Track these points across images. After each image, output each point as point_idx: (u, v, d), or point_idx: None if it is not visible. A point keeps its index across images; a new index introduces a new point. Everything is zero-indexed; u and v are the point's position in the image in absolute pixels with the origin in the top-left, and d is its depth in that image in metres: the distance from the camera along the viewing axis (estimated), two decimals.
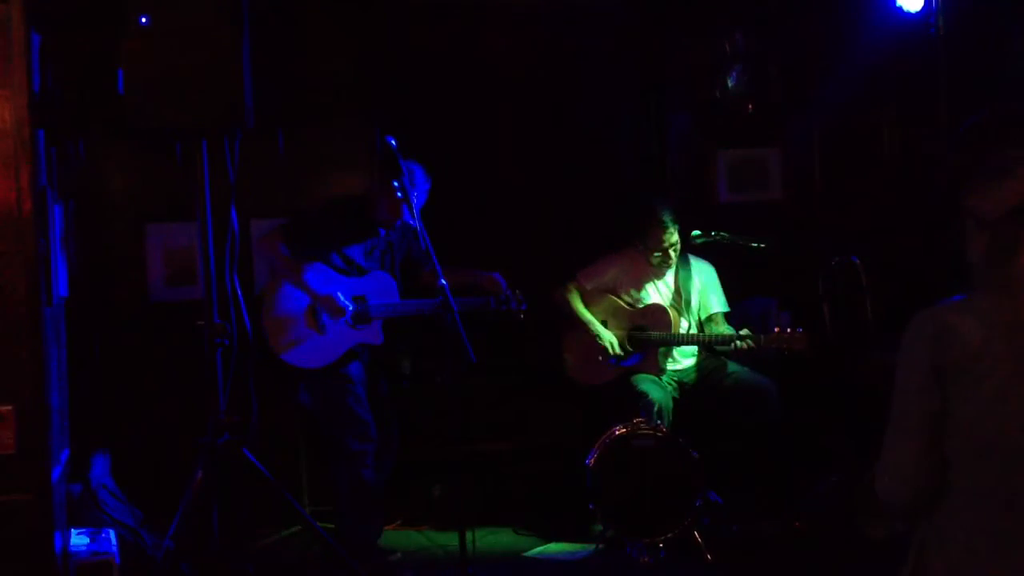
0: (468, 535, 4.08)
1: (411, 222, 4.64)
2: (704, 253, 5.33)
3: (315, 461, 5.42)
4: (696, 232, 5.08)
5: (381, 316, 4.76)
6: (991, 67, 5.51)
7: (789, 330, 4.86)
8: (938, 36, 4.95)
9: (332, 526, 4.97)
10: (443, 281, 4.16)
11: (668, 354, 5.25)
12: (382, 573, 4.61)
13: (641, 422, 4.80)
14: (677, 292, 5.29)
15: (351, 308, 4.69)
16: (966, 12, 4.97)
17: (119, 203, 5.51)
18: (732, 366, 5.19)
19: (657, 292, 5.29)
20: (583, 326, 5.22)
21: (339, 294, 4.66)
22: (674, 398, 5.13)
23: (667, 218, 5.14)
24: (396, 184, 4.58)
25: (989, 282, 2.08)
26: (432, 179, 4.75)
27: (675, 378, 5.25)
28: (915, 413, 2.09)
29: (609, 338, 5.17)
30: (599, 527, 4.87)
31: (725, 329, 5.19)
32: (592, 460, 4.68)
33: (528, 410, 5.80)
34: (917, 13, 5.06)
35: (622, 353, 5.17)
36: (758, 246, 4.87)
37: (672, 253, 5.19)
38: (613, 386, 5.18)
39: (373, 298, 4.76)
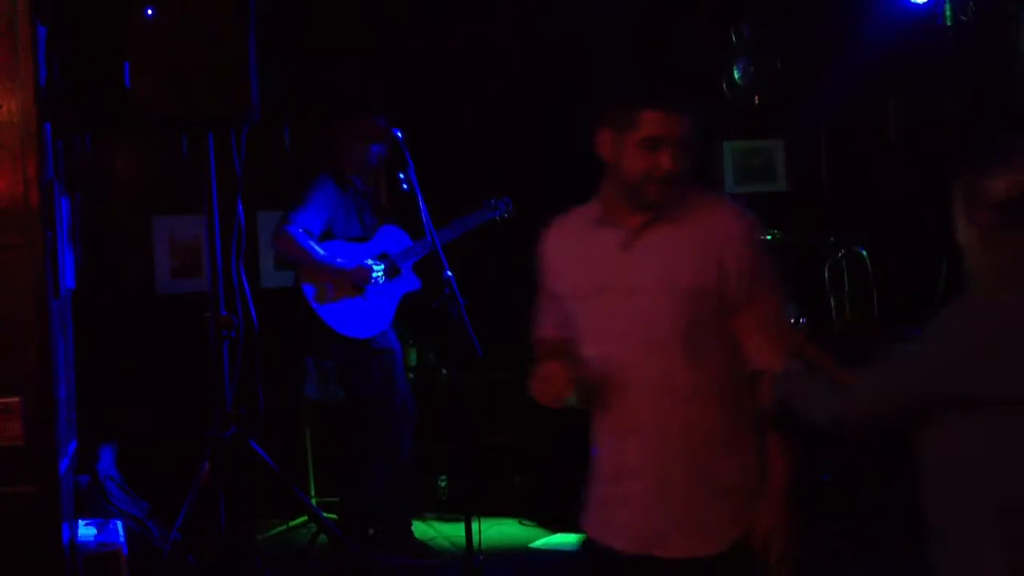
0: (474, 526, 4.09)
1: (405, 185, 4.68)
2: None
3: (321, 453, 5.44)
4: None
5: (408, 262, 4.86)
6: (1000, 58, 5.49)
7: (794, 322, 4.86)
8: (946, 27, 4.93)
9: (336, 517, 4.99)
10: (448, 273, 4.17)
11: None
12: (407, 563, 4.65)
13: None
14: None
15: (381, 267, 4.76)
16: (974, 3, 4.95)
17: (126, 196, 5.52)
18: None
19: None
20: None
21: (367, 261, 4.73)
22: None
23: None
24: (402, 176, 4.59)
25: (995, 272, 2.03)
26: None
27: None
28: None
29: None
30: None
31: None
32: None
33: (533, 401, 5.80)
34: (925, 4, 5.04)
35: None
36: (764, 238, 4.86)
37: None
38: None
39: (393, 250, 4.85)
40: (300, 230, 4.68)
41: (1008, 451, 1.98)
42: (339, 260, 4.72)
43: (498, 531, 5.13)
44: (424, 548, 4.82)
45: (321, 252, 4.69)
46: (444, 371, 5.59)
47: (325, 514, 4.83)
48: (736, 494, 2.45)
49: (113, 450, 4.62)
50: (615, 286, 2.46)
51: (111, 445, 4.63)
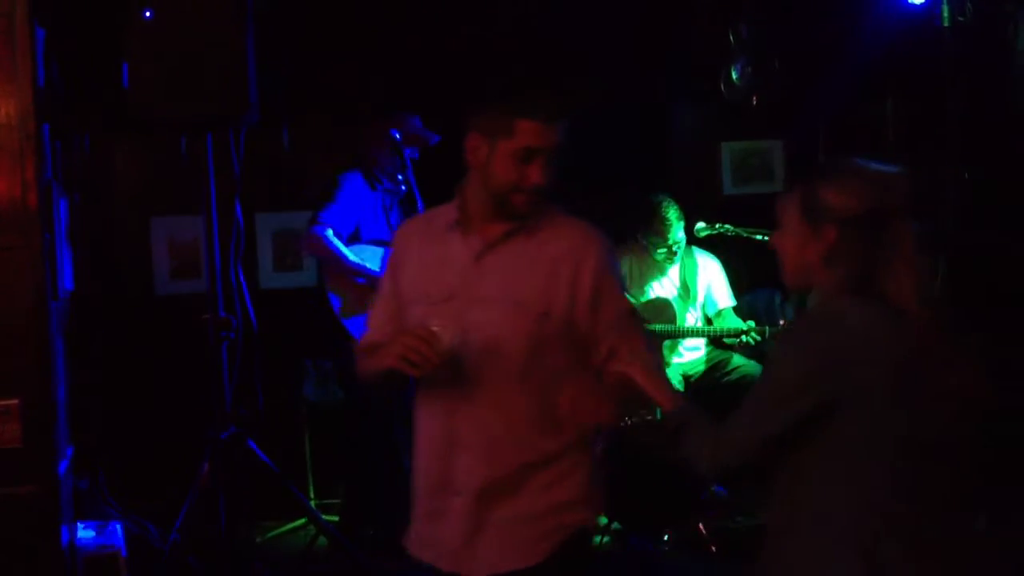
0: None
1: (404, 187, 4.63)
2: (708, 245, 5.33)
3: (320, 454, 5.43)
4: (700, 224, 5.08)
5: None
6: (998, 59, 5.49)
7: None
8: (944, 28, 4.93)
9: (337, 518, 4.98)
10: None
11: (673, 348, 5.25)
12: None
13: (646, 414, 4.80)
14: (683, 286, 5.29)
15: None
16: (972, 3, 4.95)
17: (124, 196, 5.52)
18: (738, 359, 5.20)
19: (660, 287, 5.28)
20: None
21: None
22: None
23: (672, 213, 5.14)
24: (401, 177, 4.59)
25: (842, 285, 2.09)
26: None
27: (680, 372, 5.25)
28: None
29: None
30: (604, 519, 4.88)
31: (732, 323, 5.20)
32: (597, 453, 4.68)
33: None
34: (922, 5, 5.04)
35: None
36: (763, 238, 4.87)
37: (676, 248, 5.19)
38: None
39: None
40: (328, 231, 4.56)
41: (862, 455, 2.04)
42: (368, 266, 4.61)
43: None
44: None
45: (351, 256, 4.59)
46: None
47: (324, 516, 4.83)
48: (556, 509, 2.40)
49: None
50: (462, 296, 2.38)
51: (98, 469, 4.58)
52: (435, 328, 2.27)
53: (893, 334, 2.04)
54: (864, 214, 2.07)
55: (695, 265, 5.31)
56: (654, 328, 5.18)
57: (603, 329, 2.40)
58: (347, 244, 4.63)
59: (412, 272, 2.47)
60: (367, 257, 4.67)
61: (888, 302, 2.06)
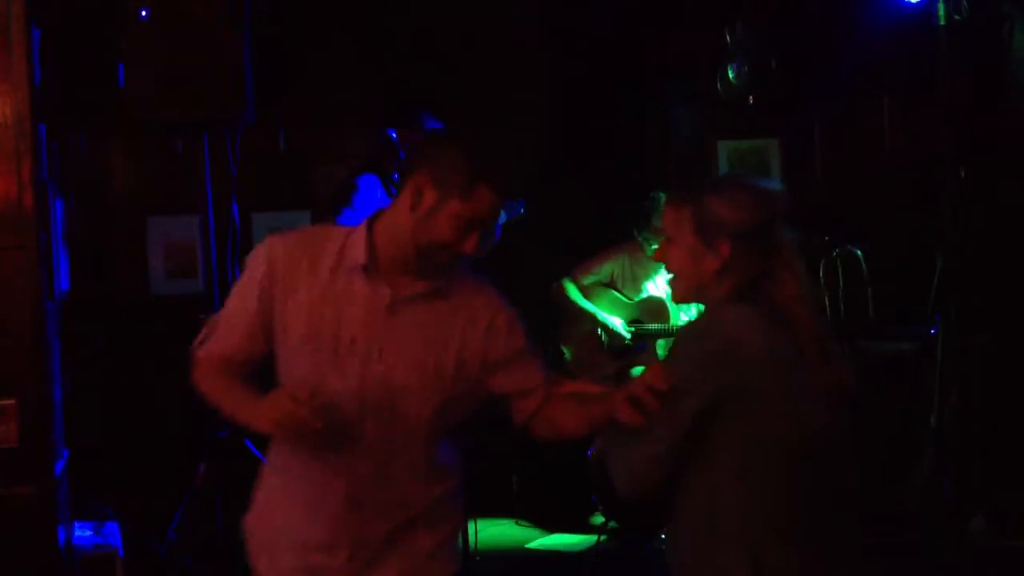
0: (471, 526, 4.09)
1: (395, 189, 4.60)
2: None
3: None
4: None
5: None
6: (994, 58, 5.50)
7: None
8: (940, 26, 4.94)
9: None
10: None
11: (667, 347, 5.26)
12: None
13: None
14: None
15: None
16: (968, 2, 4.96)
17: (120, 197, 5.50)
18: None
19: (655, 285, 5.29)
20: (584, 318, 5.22)
21: None
22: None
23: None
24: (397, 178, 4.58)
25: (733, 295, 2.15)
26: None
27: None
28: None
29: (614, 324, 5.16)
30: (601, 518, 4.88)
31: None
32: (594, 452, 4.69)
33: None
34: (919, 3, 5.05)
35: (629, 335, 5.16)
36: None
37: None
38: (612, 379, 5.18)
39: None
40: None
41: (747, 458, 2.09)
42: None
43: (495, 531, 5.14)
44: None
45: None
46: None
47: None
48: (435, 554, 2.32)
49: None
50: (367, 347, 2.21)
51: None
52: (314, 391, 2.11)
53: (776, 336, 2.11)
54: (755, 227, 2.16)
55: None
56: (648, 328, 5.19)
57: (520, 390, 2.35)
58: None
59: (297, 301, 2.24)
60: None
61: (773, 306, 2.14)
